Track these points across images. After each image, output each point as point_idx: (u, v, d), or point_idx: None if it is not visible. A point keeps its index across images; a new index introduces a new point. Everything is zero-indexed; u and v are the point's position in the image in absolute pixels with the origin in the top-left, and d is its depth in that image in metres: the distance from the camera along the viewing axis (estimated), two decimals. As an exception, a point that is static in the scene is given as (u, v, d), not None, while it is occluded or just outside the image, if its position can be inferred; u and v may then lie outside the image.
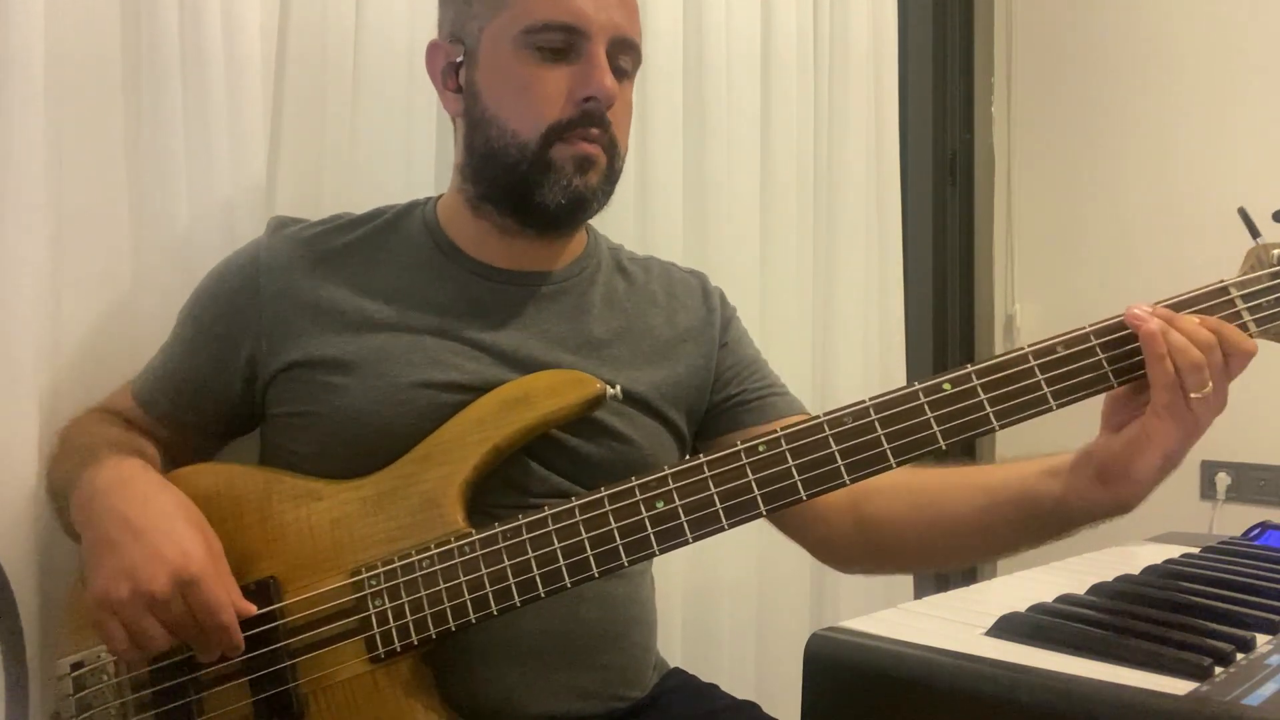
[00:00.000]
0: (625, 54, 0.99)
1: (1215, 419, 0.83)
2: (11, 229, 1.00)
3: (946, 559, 1.02)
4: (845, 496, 0.90)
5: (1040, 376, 0.85)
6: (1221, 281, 0.86)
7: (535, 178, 0.97)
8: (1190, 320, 0.83)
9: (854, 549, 1.03)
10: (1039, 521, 0.90)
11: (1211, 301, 0.85)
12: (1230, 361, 0.82)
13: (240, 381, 1.01)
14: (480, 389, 0.95)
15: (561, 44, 0.95)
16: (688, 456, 1.02)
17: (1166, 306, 0.85)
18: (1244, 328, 0.84)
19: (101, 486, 0.89)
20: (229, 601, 0.85)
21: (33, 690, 0.99)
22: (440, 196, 1.09)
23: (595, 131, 0.97)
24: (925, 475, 0.91)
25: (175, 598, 0.83)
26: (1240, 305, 0.85)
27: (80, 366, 1.08)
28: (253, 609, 0.88)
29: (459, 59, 1.00)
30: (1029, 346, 0.86)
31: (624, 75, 1.00)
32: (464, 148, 1.03)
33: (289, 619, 0.90)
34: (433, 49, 1.04)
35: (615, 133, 0.99)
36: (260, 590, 0.90)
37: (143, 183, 1.12)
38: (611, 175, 1.01)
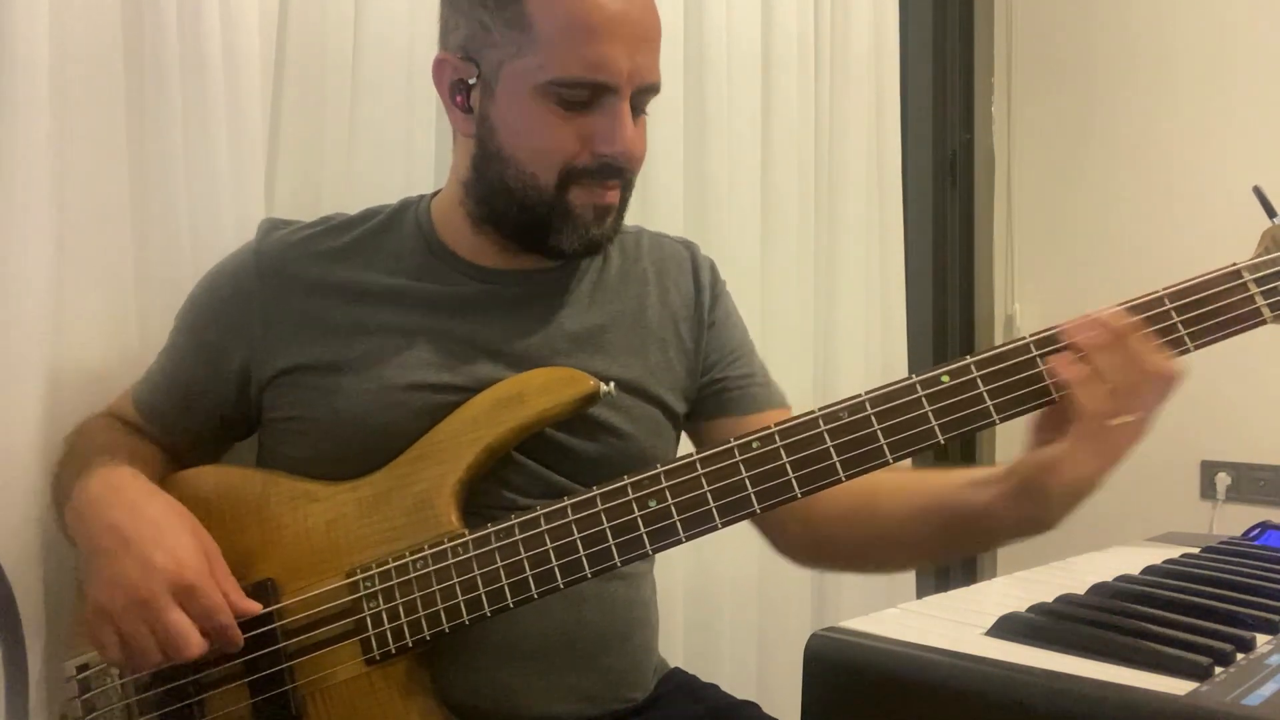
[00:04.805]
0: (648, 94, 0.98)
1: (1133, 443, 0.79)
2: (15, 231, 1.00)
3: (879, 565, 1.05)
4: None
5: (1043, 367, 0.81)
6: (1234, 265, 0.81)
7: (554, 223, 0.96)
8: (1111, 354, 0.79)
9: (797, 539, 1.04)
10: (963, 532, 0.90)
11: (1223, 285, 0.81)
12: (1144, 389, 0.78)
13: (234, 388, 1.01)
14: (474, 388, 0.95)
15: (587, 98, 0.93)
16: (680, 455, 1.01)
17: (1177, 291, 0.81)
18: (1257, 312, 0.80)
19: (91, 496, 0.89)
20: (225, 604, 0.85)
21: (34, 691, 0.99)
22: (434, 195, 1.08)
23: (613, 182, 0.97)
24: (874, 478, 0.88)
25: (170, 606, 0.82)
26: (1254, 289, 0.81)
27: (83, 367, 1.07)
28: (257, 607, 0.88)
29: (471, 80, 0.97)
30: (1031, 336, 0.83)
31: (642, 111, 0.98)
32: (473, 170, 1.00)
33: (286, 621, 0.90)
34: (440, 64, 1.00)
35: (630, 175, 0.99)
36: (258, 592, 0.90)
37: (145, 184, 1.12)
38: (624, 209, 1.01)
